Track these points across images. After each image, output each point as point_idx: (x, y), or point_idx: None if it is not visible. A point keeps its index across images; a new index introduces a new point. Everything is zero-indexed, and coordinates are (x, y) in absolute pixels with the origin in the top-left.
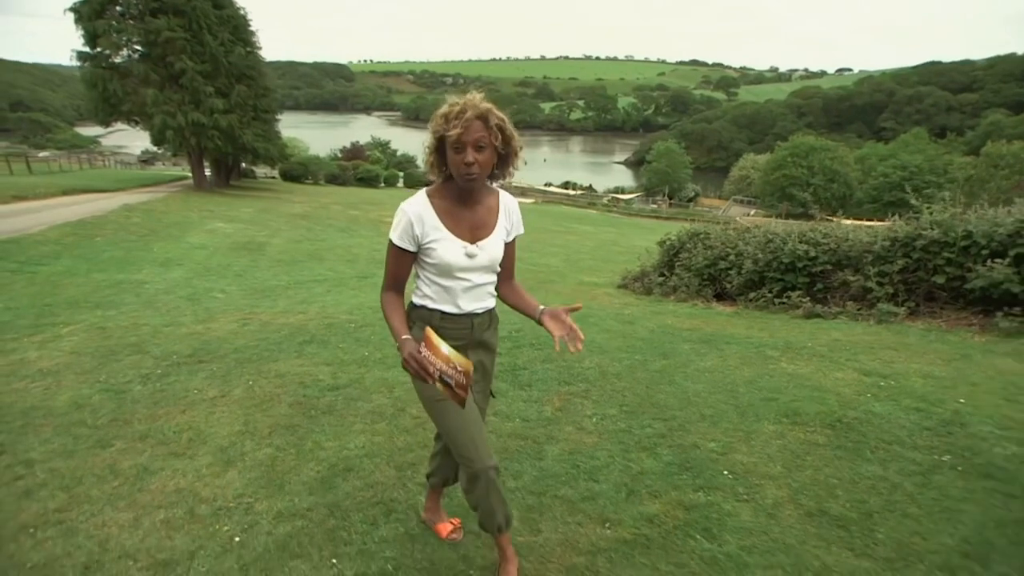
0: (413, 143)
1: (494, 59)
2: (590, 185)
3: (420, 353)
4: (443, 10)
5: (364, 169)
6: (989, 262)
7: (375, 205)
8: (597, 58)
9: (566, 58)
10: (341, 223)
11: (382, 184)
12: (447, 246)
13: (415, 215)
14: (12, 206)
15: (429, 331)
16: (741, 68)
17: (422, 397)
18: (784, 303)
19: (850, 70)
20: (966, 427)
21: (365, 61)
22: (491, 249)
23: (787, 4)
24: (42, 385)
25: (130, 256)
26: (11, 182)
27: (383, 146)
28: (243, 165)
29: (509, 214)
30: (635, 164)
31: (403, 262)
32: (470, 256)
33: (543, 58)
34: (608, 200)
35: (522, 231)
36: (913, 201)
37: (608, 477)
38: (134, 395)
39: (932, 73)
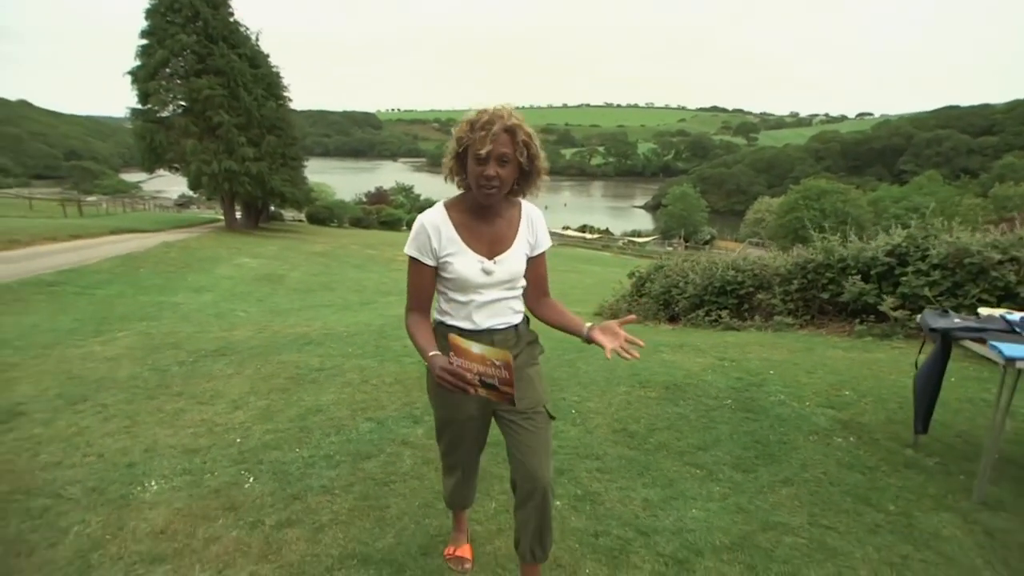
0: (437, 188)
1: (518, 106)
2: (607, 228)
3: (451, 364)
4: (468, 59)
5: (387, 213)
6: (851, 278)
7: (392, 246)
8: (618, 105)
9: (587, 105)
10: (357, 260)
11: (404, 227)
12: (463, 261)
13: (432, 226)
14: (70, 243)
15: (453, 336)
16: (761, 114)
17: (435, 415)
18: (715, 320)
19: (871, 115)
20: (761, 387)
21: (393, 110)
22: (510, 264)
23: (807, 51)
24: (107, 366)
25: (168, 283)
26: (66, 223)
27: (407, 191)
28: (271, 208)
29: (532, 226)
30: (654, 208)
31: (423, 276)
32: (487, 272)
33: (565, 106)
34: (624, 243)
35: (548, 244)
36: (812, 232)
37: None
38: (172, 373)
39: (951, 117)
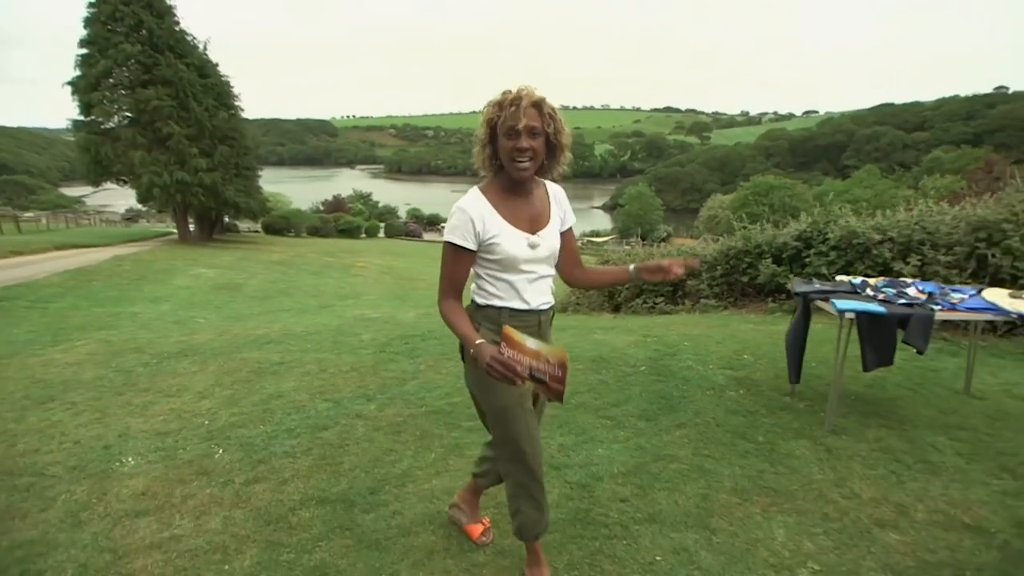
0: (395, 194)
1: (474, 111)
2: None
3: (502, 354)
4: (423, 65)
5: (345, 221)
6: (765, 262)
7: (351, 253)
8: (574, 107)
9: None
10: (315, 268)
11: (363, 235)
12: (510, 239)
13: (476, 212)
14: (12, 260)
15: (509, 329)
16: (713, 113)
17: (487, 404)
18: (651, 307)
19: (816, 112)
20: (675, 356)
21: (348, 116)
22: (550, 239)
23: (757, 51)
24: (71, 370)
25: (124, 295)
26: (4, 240)
27: (365, 198)
28: (226, 220)
29: (560, 203)
30: (612, 208)
31: (463, 263)
32: (532, 247)
33: None
34: (583, 243)
35: (574, 220)
36: (734, 223)
37: (446, 392)
38: (138, 373)
39: (887, 114)
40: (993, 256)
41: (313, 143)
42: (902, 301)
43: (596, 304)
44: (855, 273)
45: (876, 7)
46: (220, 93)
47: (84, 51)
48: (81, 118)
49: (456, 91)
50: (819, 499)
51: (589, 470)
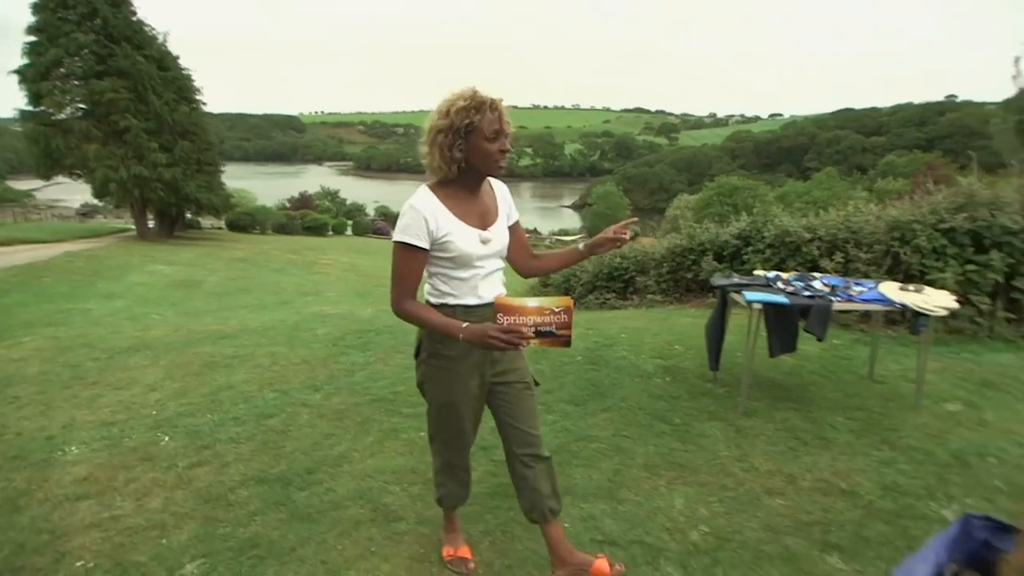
0: (364, 192)
1: None
2: (535, 228)
3: (503, 324)
4: (394, 63)
5: (311, 218)
6: (706, 258)
7: (315, 250)
8: (545, 107)
9: (515, 107)
10: (277, 265)
11: (330, 232)
12: (462, 236)
13: (428, 211)
14: None
15: (501, 299)
16: (682, 115)
17: (434, 400)
18: (603, 303)
19: (781, 115)
20: (611, 347)
21: (317, 112)
22: (500, 234)
23: (725, 54)
24: (15, 365)
25: (76, 292)
26: None
27: (332, 195)
28: (188, 216)
29: (505, 199)
30: (581, 207)
31: (418, 261)
32: (484, 242)
33: None
34: (551, 242)
35: (518, 215)
36: (681, 223)
37: (392, 381)
38: (87, 367)
39: (847, 118)
40: (904, 254)
41: (280, 139)
42: (807, 293)
43: None
44: (787, 269)
45: (840, 19)
46: (181, 87)
47: (32, 39)
48: (30, 108)
49: (427, 89)
50: (720, 472)
51: None
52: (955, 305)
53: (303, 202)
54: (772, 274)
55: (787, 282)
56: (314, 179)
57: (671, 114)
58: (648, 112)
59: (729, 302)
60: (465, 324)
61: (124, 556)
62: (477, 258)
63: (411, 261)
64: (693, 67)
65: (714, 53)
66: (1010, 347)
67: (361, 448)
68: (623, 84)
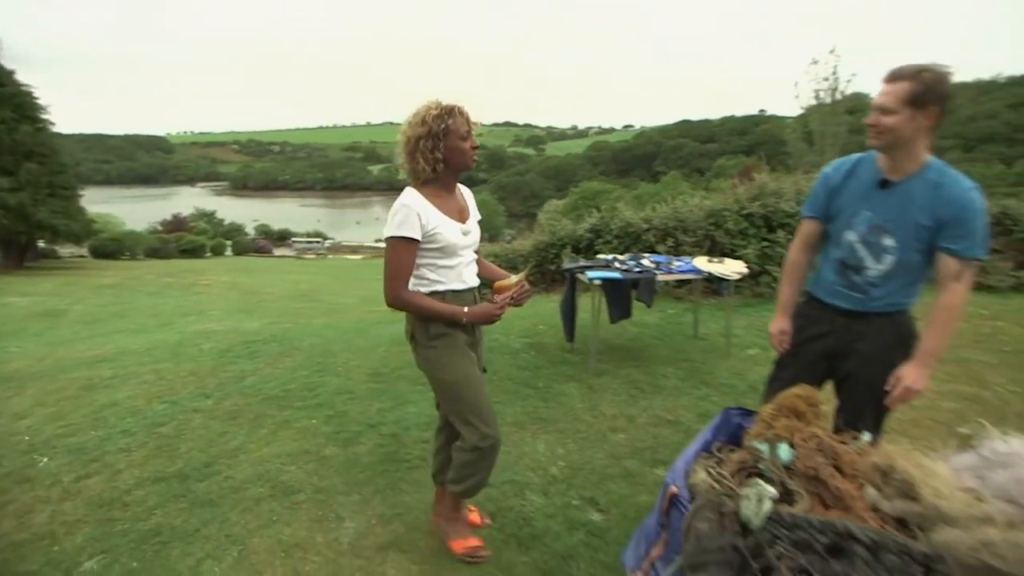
0: (242, 211)
1: (321, 126)
2: None
3: (497, 303)
4: (266, 81)
5: (188, 240)
6: (565, 251)
7: (193, 272)
8: None
9: (391, 123)
10: (152, 288)
11: (208, 254)
12: (448, 228)
13: (419, 208)
14: None
15: (499, 284)
16: (547, 127)
17: (440, 381)
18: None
19: (632, 126)
20: (486, 331)
21: (185, 132)
22: (475, 227)
23: (585, 71)
24: None
25: None
26: None
27: (208, 216)
28: (41, 244)
29: (470, 200)
30: None
31: (410, 253)
32: (465, 234)
33: (369, 124)
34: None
35: (479, 216)
36: (541, 219)
37: (282, 382)
38: None
39: (686, 128)
40: (718, 236)
41: (146, 160)
42: (638, 269)
43: None
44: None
45: (676, 42)
46: (20, 104)
47: None
48: None
49: (302, 107)
50: (575, 421)
51: (400, 424)
52: (745, 271)
53: (177, 224)
54: (611, 256)
55: (623, 262)
56: (187, 201)
57: (537, 127)
58: (516, 125)
59: (577, 284)
60: (466, 308)
61: (11, 569)
62: (460, 248)
63: (406, 253)
64: (557, 83)
65: (576, 70)
66: None
67: (256, 440)
68: (493, 98)
